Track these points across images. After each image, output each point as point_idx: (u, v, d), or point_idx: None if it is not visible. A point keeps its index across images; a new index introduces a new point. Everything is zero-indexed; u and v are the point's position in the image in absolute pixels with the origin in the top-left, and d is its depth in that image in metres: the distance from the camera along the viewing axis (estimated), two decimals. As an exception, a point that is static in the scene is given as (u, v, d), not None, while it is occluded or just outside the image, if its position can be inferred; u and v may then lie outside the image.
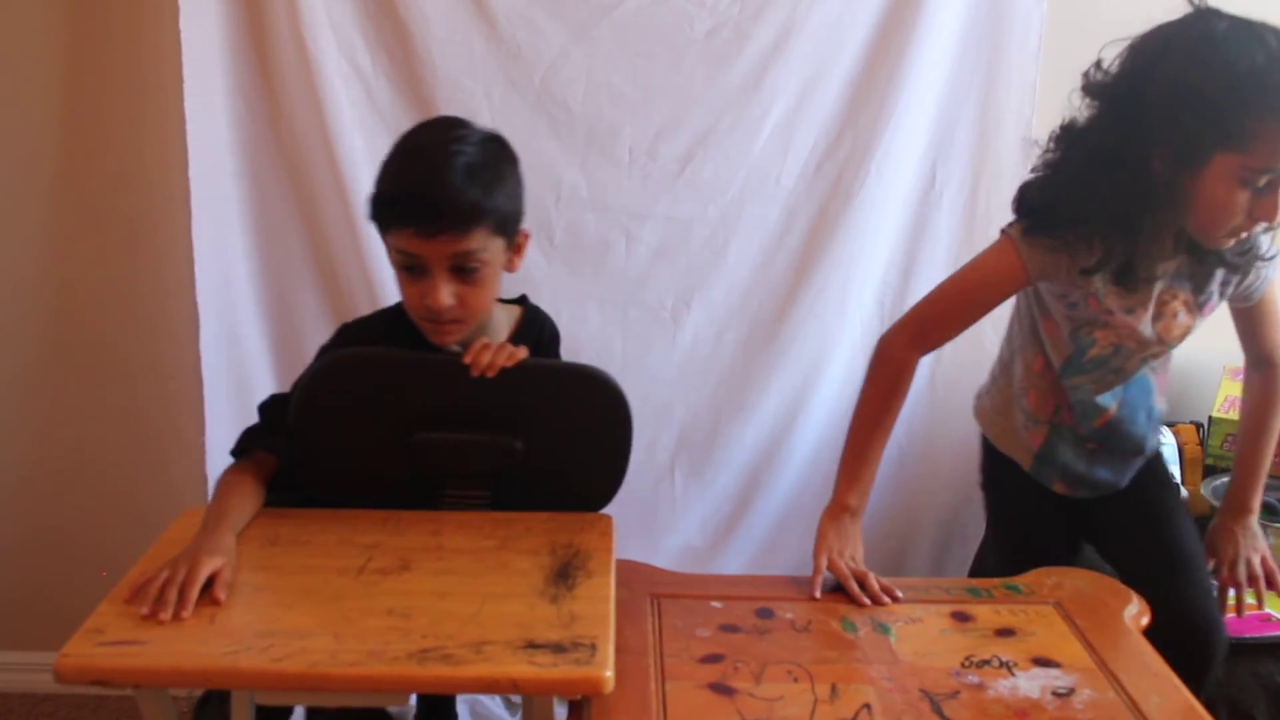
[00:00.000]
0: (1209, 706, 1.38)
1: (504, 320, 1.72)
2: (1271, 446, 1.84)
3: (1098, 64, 1.61)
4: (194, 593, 1.32)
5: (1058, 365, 1.76)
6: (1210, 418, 2.24)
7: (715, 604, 1.57)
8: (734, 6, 2.19)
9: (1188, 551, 1.79)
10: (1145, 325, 1.67)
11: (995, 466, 1.93)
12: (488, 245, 1.52)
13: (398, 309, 1.66)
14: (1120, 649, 1.47)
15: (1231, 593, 1.81)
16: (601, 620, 1.32)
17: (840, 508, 1.75)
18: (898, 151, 2.25)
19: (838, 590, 1.63)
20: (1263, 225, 1.55)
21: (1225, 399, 2.25)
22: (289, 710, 1.74)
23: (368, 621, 1.30)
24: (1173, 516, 1.85)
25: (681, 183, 2.26)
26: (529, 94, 2.22)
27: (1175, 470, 2.11)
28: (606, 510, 1.64)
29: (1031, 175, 1.69)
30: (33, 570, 2.51)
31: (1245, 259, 1.65)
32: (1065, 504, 1.86)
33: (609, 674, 1.23)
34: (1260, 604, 1.85)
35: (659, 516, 2.39)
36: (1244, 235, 1.57)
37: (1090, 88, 1.62)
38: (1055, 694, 1.37)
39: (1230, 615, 1.79)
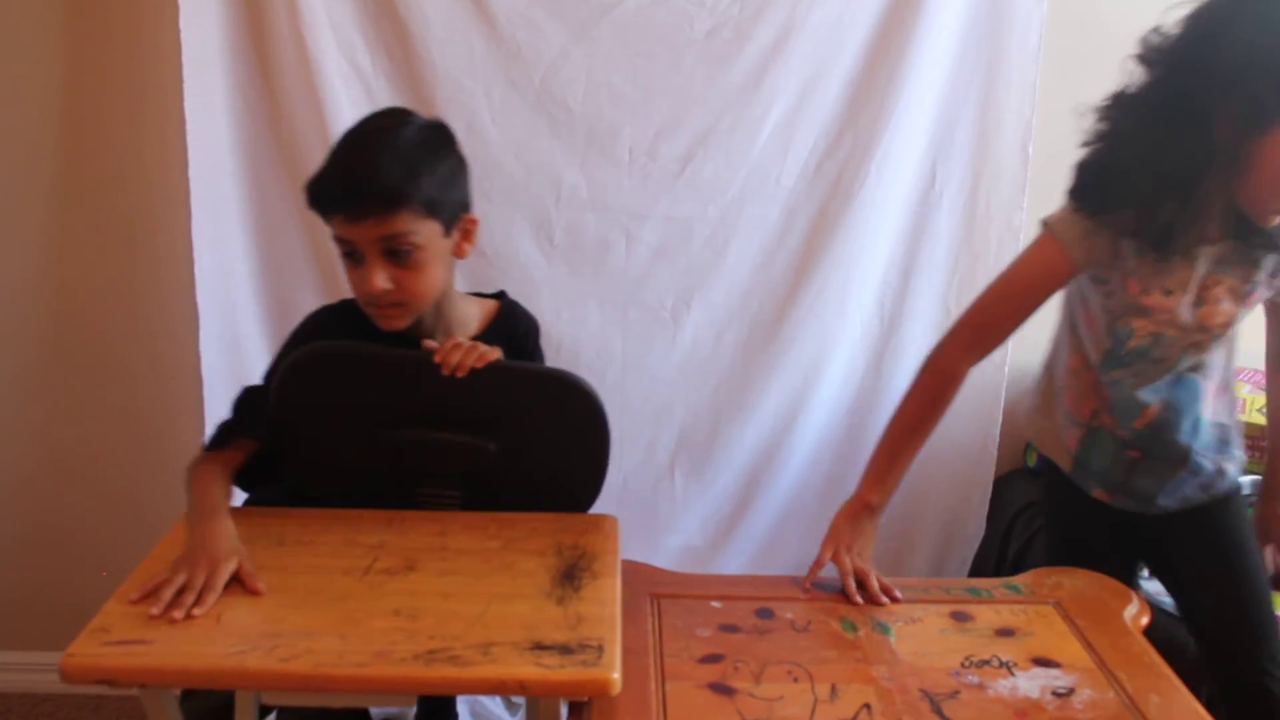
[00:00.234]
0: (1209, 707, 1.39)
1: (473, 313, 1.72)
2: None
3: (1155, 29, 1.58)
4: (214, 598, 1.33)
5: (1097, 361, 1.72)
6: (1209, 417, 2.24)
7: (715, 604, 1.57)
8: (734, 6, 2.19)
9: (1261, 603, 1.74)
10: (1185, 309, 1.63)
11: (1049, 479, 1.89)
12: (418, 228, 1.52)
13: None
14: (1120, 649, 1.48)
15: None
16: (608, 621, 1.32)
17: (861, 503, 1.74)
18: (898, 151, 2.25)
19: (837, 590, 1.63)
20: None
21: (1224, 399, 2.25)
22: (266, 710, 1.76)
23: (374, 622, 1.30)
24: (1248, 559, 1.78)
25: (681, 183, 2.26)
26: (529, 94, 2.22)
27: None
28: (608, 510, 1.64)
29: (1084, 149, 1.64)
30: (33, 570, 2.51)
31: None
32: (1123, 521, 1.81)
33: (616, 675, 1.23)
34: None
35: (659, 516, 2.40)
36: None
37: (1149, 53, 1.58)
38: (1055, 694, 1.37)
39: None
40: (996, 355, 2.33)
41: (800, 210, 2.29)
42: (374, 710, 2.17)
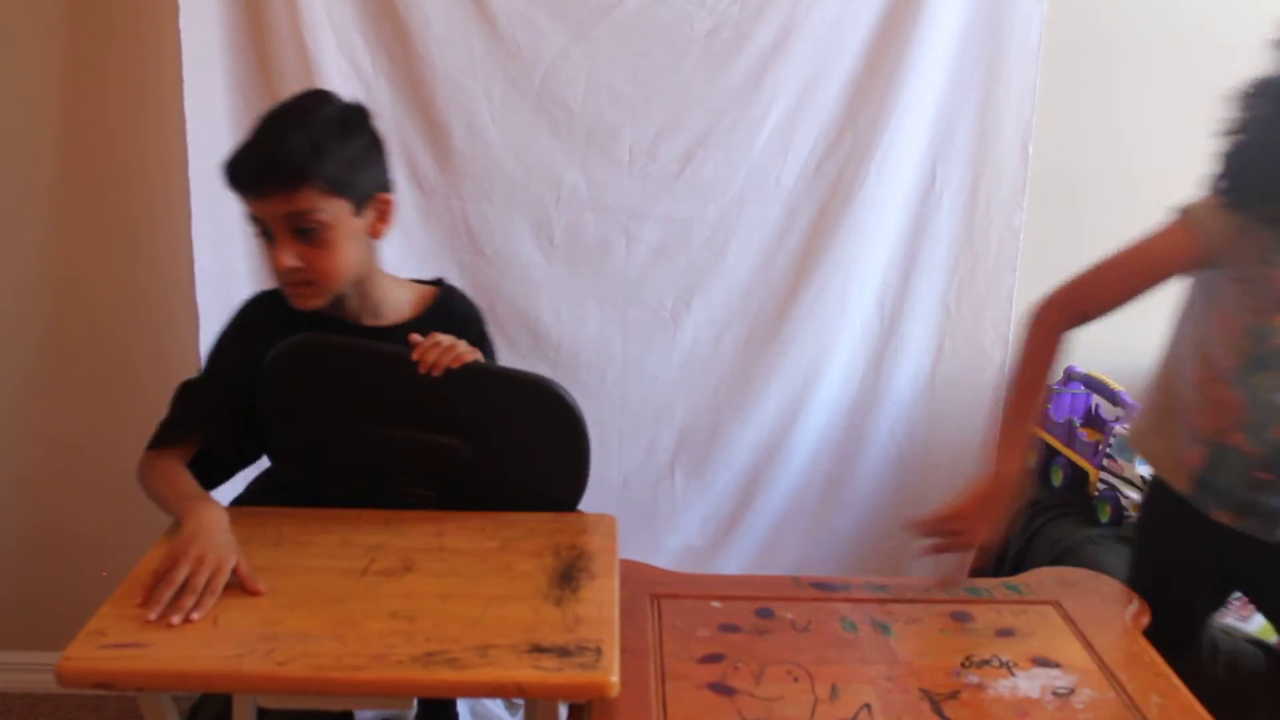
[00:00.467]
0: (1208, 702, 1.39)
1: (405, 298, 1.73)
2: None
3: None
4: (213, 601, 1.33)
5: (1232, 368, 1.60)
6: (1209, 417, 2.24)
7: (715, 604, 1.57)
8: (734, 6, 2.19)
9: None
10: None
11: (1154, 494, 1.77)
12: (323, 206, 1.53)
13: None
14: (1120, 649, 1.48)
15: None
16: (606, 623, 1.32)
17: (1004, 476, 1.63)
18: (898, 151, 2.25)
19: (837, 590, 1.63)
20: None
21: (1224, 399, 2.25)
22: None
23: (371, 624, 1.30)
24: None
25: (681, 183, 2.26)
26: (529, 94, 2.22)
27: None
28: (608, 510, 1.64)
29: (1225, 139, 1.58)
30: (33, 570, 2.51)
31: None
32: (1235, 546, 1.66)
33: (614, 678, 1.22)
34: None
35: (659, 516, 2.40)
36: None
37: None
38: (1055, 694, 1.37)
39: None
40: (996, 355, 2.34)
41: (800, 210, 2.29)
42: (372, 713, 2.17)
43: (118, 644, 1.25)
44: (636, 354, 2.33)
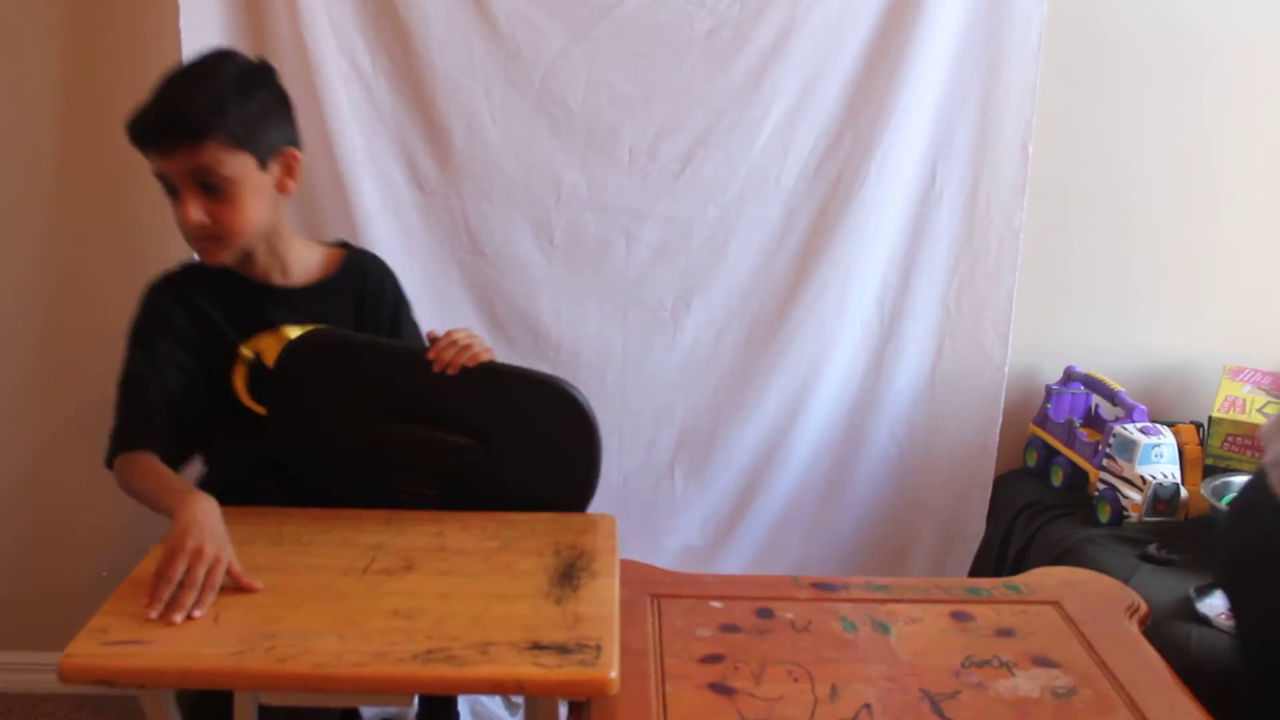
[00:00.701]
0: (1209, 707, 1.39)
1: (313, 258, 1.76)
2: None
3: None
4: (213, 597, 1.34)
5: None
6: (1210, 418, 2.24)
7: (715, 604, 1.57)
8: (734, 6, 2.19)
9: None
10: None
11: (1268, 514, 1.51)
12: (226, 160, 1.55)
13: None
14: (1120, 649, 1.48)
15: None
16: (606, 621, 1.32)
17: None
18: (898, 151, 2.25)
19: (837, 590, 1.63)
20: None
21: (1225, 399, 2.25)
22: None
23: (372, 622, 1.31)
24: None
25: (681, 183, 2.26)
26: (529, 94, 2.22)
27: (1175, 470, 2.12)
28: (608, 510, 1.64)
29: None
30: (33, 570, 2.51)
31: None
32: None
33: (614, 675, 1.23)
34: None
35: (659, 516, 2.40)
36: None
37: None
38: (1055, 694, 1.37)
39: None
40: (996, 355, 2.34)
41: (800, 210, 2.29)
42: (373, 710, 2.17)
43: (119, 641, 1.26)
44: (636, 354, 2.33)
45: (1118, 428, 2.15)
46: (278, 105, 1.65)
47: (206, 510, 1.43)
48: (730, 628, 1.51)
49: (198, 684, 1.25)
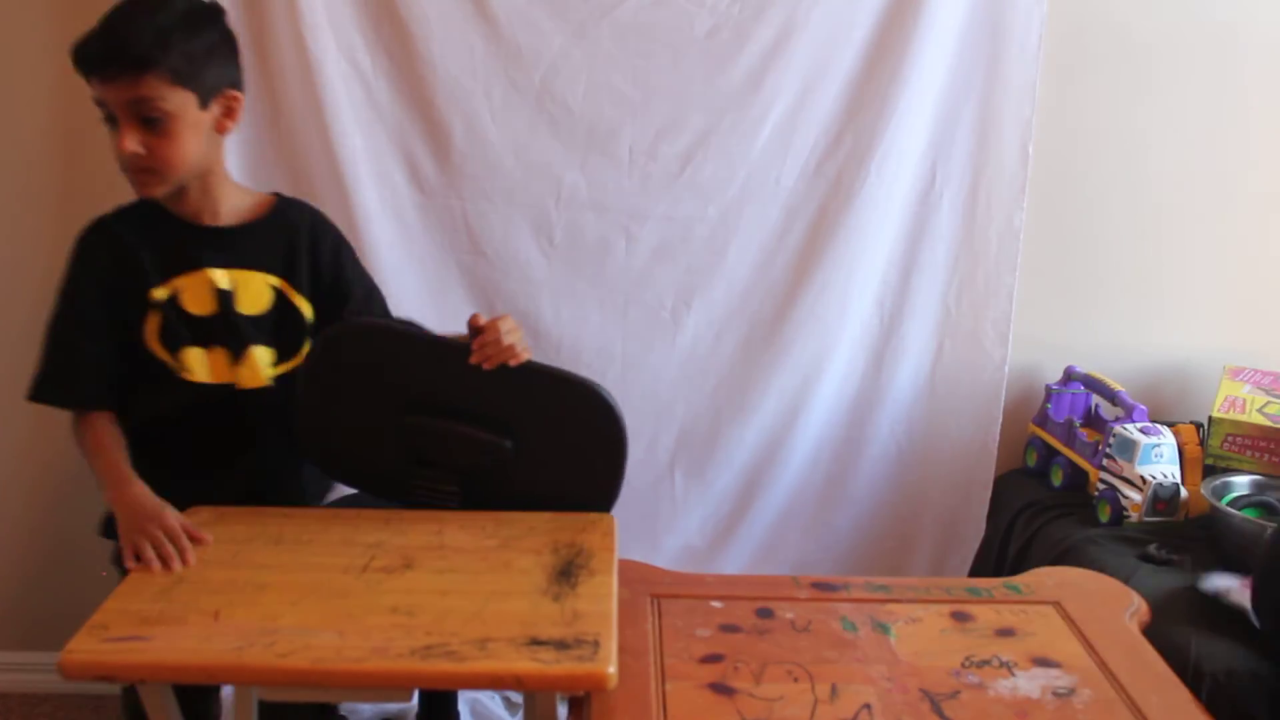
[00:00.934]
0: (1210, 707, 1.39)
1: (246, 202, 1.76)
2: None
3: None
4: (187, 545, 1.46)
5: None
6: (1210, 418, 2.24)
7: (715, 604, 1.57)
8: (734, 6, 2.19)
9: None
10: None
11: None
12: (167, 95, 1.57)
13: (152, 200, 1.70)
14: (1120, 649, 1.47)
15: None
16: (604, 618, 1.33)
17: None
18: (898, 151, 2.25)
19: (837, 590, 1.63)
20: None
21: (1225, 399, 2.25)
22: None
23: (371, 619, 1.31)
24: None
25: (681, 183, 2.26)
26: (529, 94, 2.22)
27: (1175, 470, 2.12)
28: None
29: None
30: (33, 570, 2.51)
31: None
32: None
33: (612, 670, 1.23)
34: None
35: (659, 516, 2.40)
36: None
37: None
38: (1055, 694, 1.37)
39: None
40: (996, 355, 2.34)
41: (800, 210, 2.29)
42: (373, 709, 2.17)
43: (120, 637, 1.26)
44: (636, 354, 2.33)
45: (1118, 428, 2.15)
46: (223, 45, 1.66)
47: (135, 496, 1.57)
48: (730, 628, 1.50)
49: (197, 679, 1.25)
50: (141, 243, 1.69)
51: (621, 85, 2.22)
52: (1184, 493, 2.11)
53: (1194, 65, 2.33)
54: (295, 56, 2.16)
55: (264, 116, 2.22)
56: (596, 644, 1.27)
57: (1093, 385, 2.34)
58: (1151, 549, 1.98)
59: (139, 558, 1.46)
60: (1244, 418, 2.22)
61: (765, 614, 1.54)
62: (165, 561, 1.44)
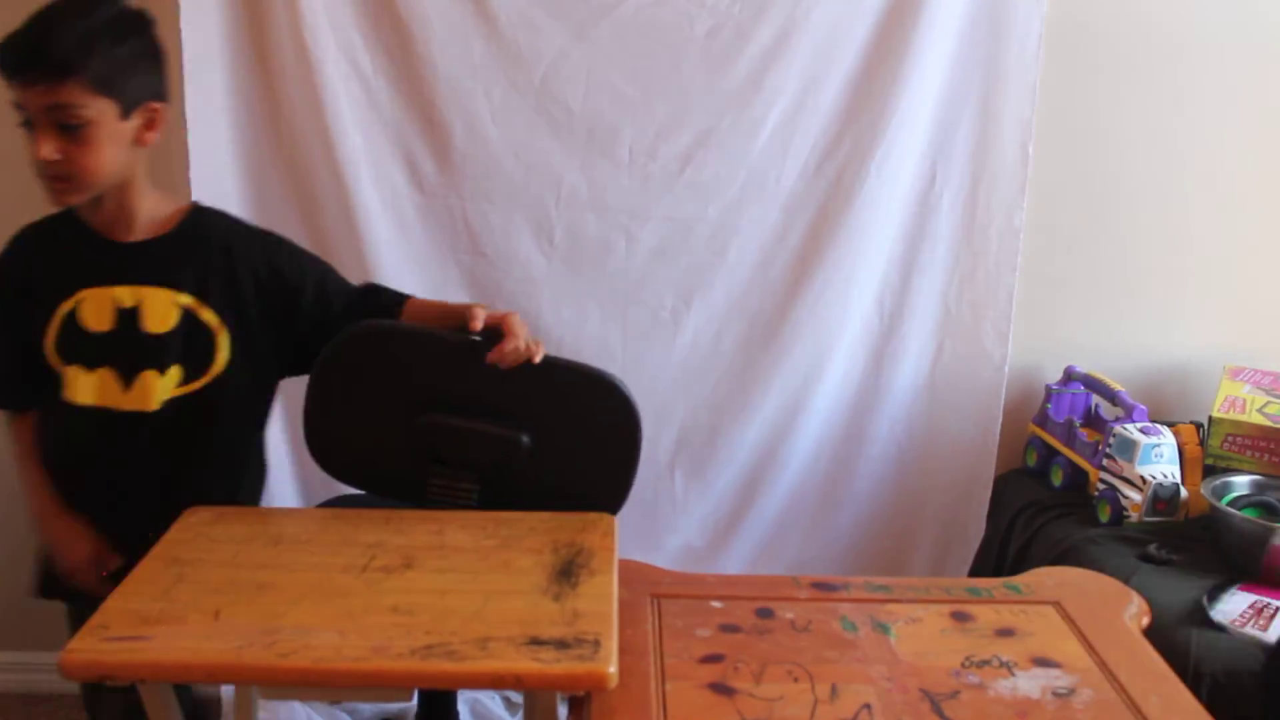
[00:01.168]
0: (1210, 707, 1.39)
1: (160, 215, 1.69)
2: None
3: None
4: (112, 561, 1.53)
5: None
6: (1210, 418, 2.24)
7: (715, 604, 1.56)
8: (734, 6, 2.19)
9: None
10: None
11: None
12: (88, 103, 1.52)
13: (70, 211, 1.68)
14: (1120, 649, 1.47)
15: None
16: (604, 617, 1.33)
17: None
18: (898, 151, 2.25)
19: (837, 590, 1.63)
20: None
21: (1225, 399, 2.25)
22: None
23: (371, 618, 1.31)
24: None
25: (681, 183, 2.26)
26: (529, 94, 2.22)
27: (1175, 470, 2.12)
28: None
29: None
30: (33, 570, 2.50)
31: None
32: None
33: (613, 669, 1.23)
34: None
35: (659, 516, 2.40)
36: None
37: None
38: (1055, 694, 1.37)
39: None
40: (996, 354, 2.34)
41: (800, 210, 2.29)
42: (373, 709, 2.17)
43: (120, 637, 1.26)
44: (636, 354, 2.33)
45: (1118, 428, 2.15)
46: (149, 55, 1.61)
47: (57, 534, 1.67)
48: (730, 628, 1.50)
49: (197, 678, 1.26)
50: (53, 254, 1.67)
51: (621, 85, 2.22)
52: (1184, 493, 2.12)
53: (1194, 65, 2.33)
54: (295, 56, 2.17)
55: (264, 116, 2.23)
56: (597, 644, 1.27)
57: (1093, 385, 2.34)
58: (1151, 549, 1.98)
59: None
60: (1244, 418, 2.22)
61: (765, 614, 1.54)
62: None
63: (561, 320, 2.31)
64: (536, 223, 2.28)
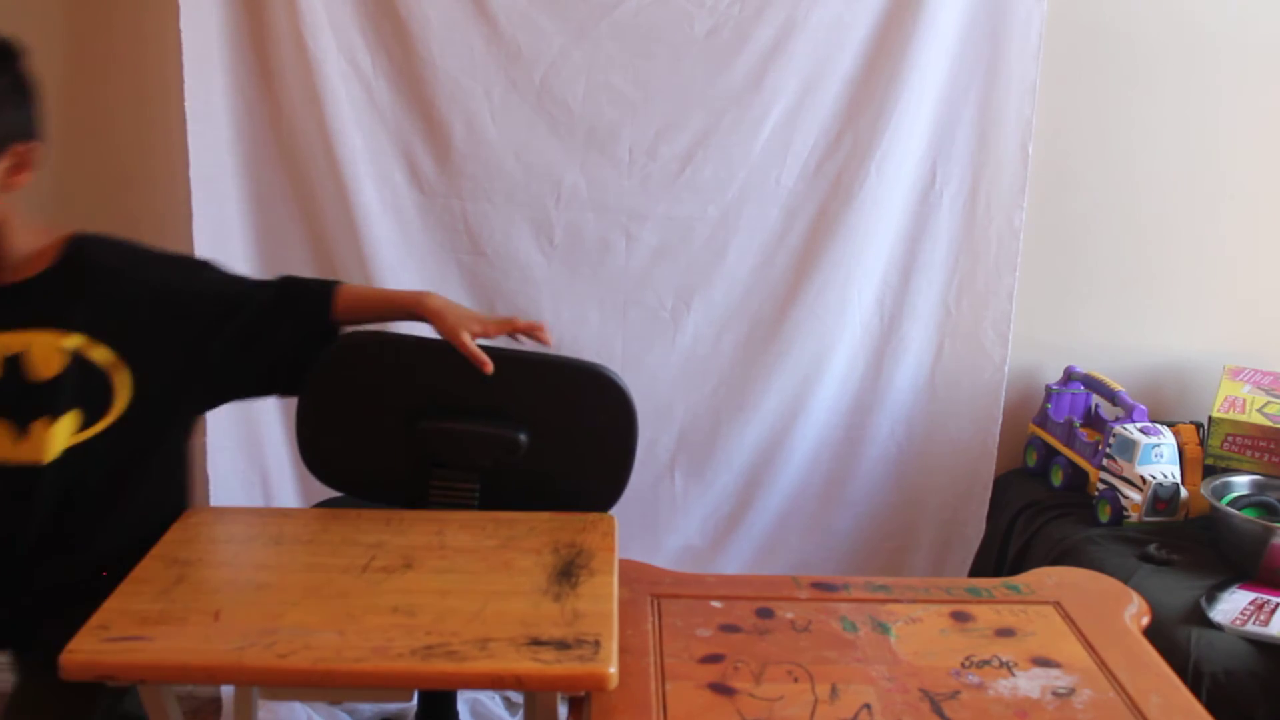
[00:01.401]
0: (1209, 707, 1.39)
1: (37, 245, 1.54)
2: None
3: None
4: None
5: None
6: (1210, 418, 2.24)
7: (715, 604, 1.56)
8: (734, 6, 2.19)
9: None
10: None
11: None
12: None
13: None
14: (1120, 649, 1.47)
15: None
16: (605, 618, 1.33)
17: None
18: (898, 151, 2.25)
19: (837, 590, 1.63)
20: None
21: (1225, 399, 2.25)
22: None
23: (372, 619, 1.31)
24: None
25: (681, 183, 2.26)
26: (529, 94, 2.22)
27: (1175, 470, 2.12)
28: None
29: None
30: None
31: None
32: None
33: (613, 670, 1.23)
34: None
35: (659, 516, 2.40)
36: None
37: None
38: (1055, 694, 1.37)
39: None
40: (996, 355, 2.34)
41: (800, 210, 2.29)
42: (372, 709, 2.17)
43: (121, 637, 1.26)
44: (636, 354, 2.33)
45: (1118, 428, 2.15)
46: (14, 94, 1.47)
47: None
48: (730, 628, 1.50)
49: (198, 679, 1.25)
50: None
51: (621, 85, 2.22)
52: (1184, 493, 2.12)
53: (1195, 65, 2.33)
54: (295, 56, 2.17)
55: (264, 116, 2.23)
56: (597, 644, 1.27)
57: (1093, 385, 2.34)
58: (1151, 549, 1.98)
59: None
60: (1244, 418, 2.22)
61: (765, 614, 1.54)
62: None
63: (561, 320, 2.31)
64: (536, 222, 2.28)
